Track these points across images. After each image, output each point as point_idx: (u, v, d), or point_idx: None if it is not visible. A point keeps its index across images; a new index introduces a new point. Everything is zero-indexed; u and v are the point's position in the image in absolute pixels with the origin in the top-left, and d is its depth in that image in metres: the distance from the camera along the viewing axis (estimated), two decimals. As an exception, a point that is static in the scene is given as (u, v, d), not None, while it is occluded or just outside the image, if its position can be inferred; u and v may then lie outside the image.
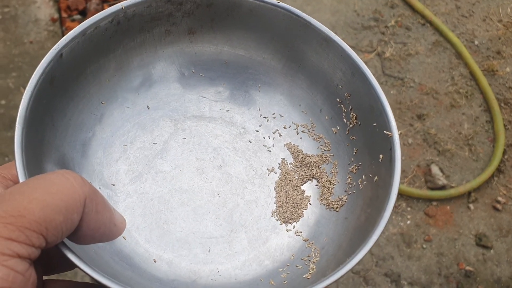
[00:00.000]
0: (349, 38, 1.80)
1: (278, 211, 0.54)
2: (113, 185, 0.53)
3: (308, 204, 0.55)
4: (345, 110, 0.55)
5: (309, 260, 0.51)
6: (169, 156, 0.55)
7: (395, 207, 1.50)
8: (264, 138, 0.58)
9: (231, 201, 0.54)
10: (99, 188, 0.52)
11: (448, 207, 1.53)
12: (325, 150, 0.57)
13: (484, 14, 1.92)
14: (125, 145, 0.55)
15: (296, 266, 0.51)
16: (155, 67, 0.56)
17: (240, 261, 0.52)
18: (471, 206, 1.54)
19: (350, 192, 0.54)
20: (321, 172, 0.56)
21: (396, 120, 1.61)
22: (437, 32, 1.85)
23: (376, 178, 0.50)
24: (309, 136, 0.58)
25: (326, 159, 0.56)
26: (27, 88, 0.42)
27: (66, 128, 0.50)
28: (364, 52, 1.78)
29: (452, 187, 1.55)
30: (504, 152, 1.63)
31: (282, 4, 0.52)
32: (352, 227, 0.50)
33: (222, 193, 0.54)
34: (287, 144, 0.58)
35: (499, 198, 1.55)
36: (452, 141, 1.63)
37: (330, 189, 0.55)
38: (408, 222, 1.50)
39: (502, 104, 1.72)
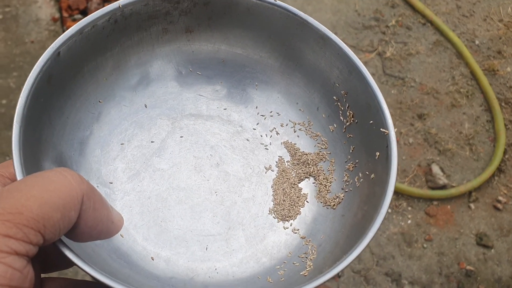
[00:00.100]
0: (350, 38, 1.80)
1: (275, 208, 0.54)
2: (111, 183, 0.53)
3: (305, 201, 0.55)
4: (342, 108, 0.55)
5: (306, 258, 0.51)
6: (166, 154, 0.55)
7: (395, 206, 1.50)
8: (262, 136, 0.58)
9: (228, 199, 0.54)
10: (97, 186, 0.52)
11: (448, 207, 1.53)
12: (322, 148, 0.57)
13: (484, 13, 1.92)
14: (123, 144, 0.55)
15: (293, 264, 0.51)
16: (153, 66, 0.57)
17: (238, 258, 0.52)
18: (472, 205, 1.54)
19: (347, 190, 0.54)
20: (318, 170, 0.56)
21: (397, 120, 1.61)
22: (437, 32, 1.85)
23: (372, 175, 0.50)
24: (306, 134, 0.58)
25: (323, 157, 0.56)
26: (24, 86, 0.42)
27: (63, 127, 0.50)
28: (364, 52, 1.78)
29: (452, 186, 1.55)
30: (505, 152, 1.63)
31: (279, 2, 0.52)
32: (349, 224, 0.51)
33: (219, 191, 0.54)
34: (284, 142, 0.58)
35: (500, 198, 1.55)
36: (452, 141, 1.63)
37: (327, 186, 0.55)
38: (409, 221, 1.50)
39: (503, 104, 1.72)
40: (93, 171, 0.53)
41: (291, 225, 0.54)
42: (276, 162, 0.57)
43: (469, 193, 1.55)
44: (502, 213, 1.53)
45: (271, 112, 0.59)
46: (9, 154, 1.46)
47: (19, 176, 0.39)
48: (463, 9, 1.92)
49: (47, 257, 0.40)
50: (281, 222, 0.54)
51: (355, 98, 0.53)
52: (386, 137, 0.49)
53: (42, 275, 0.38)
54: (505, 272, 1.45)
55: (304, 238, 0.53)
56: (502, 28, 1.89)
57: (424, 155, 1.60)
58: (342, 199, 0.54)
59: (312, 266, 0.50)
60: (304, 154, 0.57)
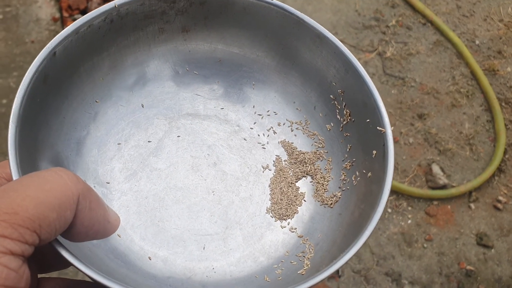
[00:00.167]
0: (350, 38, 1.80)
1: (272, 208, 0.54)
2: (108, 183, 0.53)
3: (302, 200, 0.55)
4: (339, 107, 0.55)
5: (304, 256, 0.51)
6: (163, 154, 0.55)
7: (396, 206, 1.50)
8: (259, 135, 0.58)
9: (226, 199, 0.54)
10: (94, 186, 0.52)
11: (449, 207, 1.53)
12: (319, 147, 0.57)
13: (485, 13, 1.92)
14: (120, 144, 0.55)
15: (291, 263, 0.51)
16: (149, 66, 0.56)
17: (235, 258, 0.52)
18: (472, 205, 1.54)
19: (344, 188, 0.54)
20: (316, 169, 0.56)
21: (397, 120, 1.61)
22: (438, 32, 1.85)
23: (369, 174, 0.50)
24: (303, 133, 0.58)
25: (320, 156, 0.56)
26: (20, 86, 0.42)
27: (60, 127, 0.50)
28: (365, 52, 1.78)
29: (453, 186, 1.55)
30: (505, 152, 1.63)
31: (275, 1, 0.52)
32: (346, 222, 0.51)
33: (217, 191, 0.54)
34: (281, 141, 0.58)
35: (500, 198, 1.55)
36: (453, 141, 1.63)
37: (325, 185, 0.55)
38: (409, 221, 1.50)
39: (503, 104, 1.72)
40: (90, 171, 0.53)
41: (288, 224, 0.54)
42: (274, 161, 0.57)
43: (469, 193, 1.55)
44: (502, 213, 1.53)
45: (268, 111, 0.59)
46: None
47: (15, 176, 0.39)
48: (463, 9, 1.92)
49: (44, 257, 0.40)
50: (278, 221, 0.54)
51: (351, 96, 0.53)
52: (382, 136, 0.49)
53: (40, 275, 0.38)
54: (505, 272, 1.45)
55: (302, 237, 0.53)
56: (502, 28, 1.89)
57: (424, 155, 1.60)
58: (340, 197, 0.54)
59: (309, 265, 0.50)
60: (301, 153, 0.57)
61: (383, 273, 1.41)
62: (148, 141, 0.55)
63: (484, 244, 1.48)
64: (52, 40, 0.45)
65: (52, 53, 0.45)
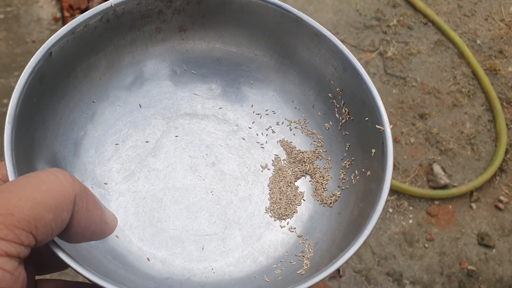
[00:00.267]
0: (351, 38, 1.79)
1: (272, 207, 0.54)
2: (106, 184, 0.53)
3: (301, 200, 0.55)
4: (338, 106, 0.55)
5: (303, 256, 0.51)
6: (161, 154, 0.55)
7: (397, 206, 1.49)
8: (257, 134, 0.58)
9: (224, 198, 0.54)
10: (92, 187, 0.52)
11: (450, 207, 1.53)
12: (318, 146, 0.57)
13: (486, 13, 1.91)
14: (117, 144, 0.54)
15: (290, 262, 0.51)
16: (147, 65, 0.56)
17: (234, 258, 0.52)
18: (473, 205, 1.53)
19: (343, 187, 0.54)
20: (315, 168, 0.56)
21: (398, 120, 1.61)
22: (439, 32, 1.85)
23: (368, 172, 0.50)
24: (302, 132, 0.58)
25: (319, 155, 0.56)
26: (16, 87, 0.42)
27: (57, 127, 0.50)
28: (366, 52, 1.77)
29: (454, 186, 1.54)
30: (507, 152, 1.62)
31: (272, 0, 0.52)
32: (346, 222, 0.50)
33: (215, 191, 0.54)
34: (280, 140, 0.57)
35: (501, 198, 1.55)
36: (454, 141, 1.63)
37: (324, 184, 0.55)
38: (410, 221, 1.49)
39: (504, 103, 1.71)
40: (88, 172, 0.52)
41: (287, 224, 0.54)
42: (272, 160, 0.57)
43: (471, 193, 1.55)
44: (503, 213, 1.53)
45: (266, 110, 0.58)
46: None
47: (11, 177, 0.39)
48: (464, 8, 1.92)
49: (41, 259, 0.40)
50: (277, 221, 0.54)
51: (350, 95, 0.53)
52: (381, 134, 0.48)
53: (38, 277, 0.38)
54: (507, 272, 1.45)
55: (301, 236, 0.53)
56: (504, 27, 1.88)
57: (425, 155, 1.59)
58: (339, 197, 0.53)
59: (309, 265, 0.49)
60: (300, 152, 0.56)
61: (384, 273, 1.41)
62: (146, 141, 0.55)
63: (485, 244, 1.47)
64: (48, 40, 0.45)
65: (48, 53, 0.45)
